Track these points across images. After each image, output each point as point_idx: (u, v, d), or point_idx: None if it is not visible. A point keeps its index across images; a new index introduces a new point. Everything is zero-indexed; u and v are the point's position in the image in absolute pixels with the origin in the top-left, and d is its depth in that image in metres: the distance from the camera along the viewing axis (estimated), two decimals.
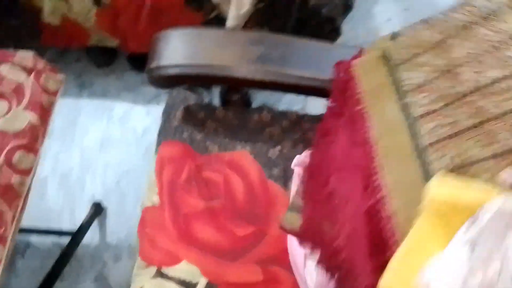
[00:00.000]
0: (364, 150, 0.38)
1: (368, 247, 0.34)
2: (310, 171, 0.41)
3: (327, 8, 0.86)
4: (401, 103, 0.39)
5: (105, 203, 0.93)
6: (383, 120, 0.39)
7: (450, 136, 0.35)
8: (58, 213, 0.93)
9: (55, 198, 0.95)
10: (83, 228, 0.83)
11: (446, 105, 0.37)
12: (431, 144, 0.36)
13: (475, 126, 0.34)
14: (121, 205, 0.94)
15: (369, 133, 0.38)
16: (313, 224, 0.39)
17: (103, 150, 1.00)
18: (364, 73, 0.42)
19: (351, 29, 1.07)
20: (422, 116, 0.37)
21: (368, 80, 0.42)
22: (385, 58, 0.43)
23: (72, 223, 0.91)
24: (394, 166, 0.38)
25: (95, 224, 0.90)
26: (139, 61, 1.04)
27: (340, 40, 0.94)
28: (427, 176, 0.34)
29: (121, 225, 0.93)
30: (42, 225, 0.90)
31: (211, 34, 0.57)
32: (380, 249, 0.34)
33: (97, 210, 0.90)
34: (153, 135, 0.67)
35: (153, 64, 0.56)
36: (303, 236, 0.41)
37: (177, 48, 0.56)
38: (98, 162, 0.99)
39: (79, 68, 1.09)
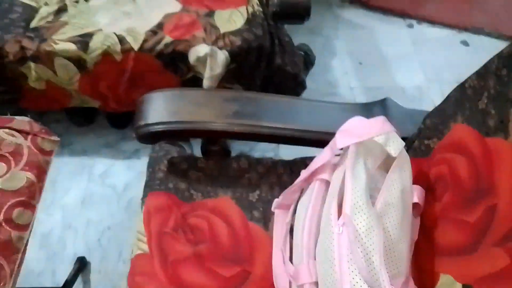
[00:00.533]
0: None
1: None
2: None
3: (291, 65, 0.96)
4: None
5: (89, 259, 0.94)
6: None
7: None
8: (38, 274, 0.93)
9: (35, 259, 0.95)
10: (68, 285, 0.84)
11: None
12: None
13: None
14: (104, 262, 0.95)
15: None
16: None
17: (85, 207, 1.03)
18: None
19: (313, 82, 1.18)
20: None
21: None
22: None
23: (53, 283, 0.91)
24: None
25: (79, 281, 0.90)
26: (118, 119, 1.10)
27: (304, 93, 1.04)
28: None
29: (104, 281, 0.93)
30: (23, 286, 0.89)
31: (191, 94, 0.65)
32: None
33: (81, 265, 0.90)
34: (134, 190, 0.72)
35: (141, 123, 0.62)
36: None
37: (162, 108, 0.63)
38: (80, 219, 1.01)
39: (59, 129, 1.13)
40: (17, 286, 0.87)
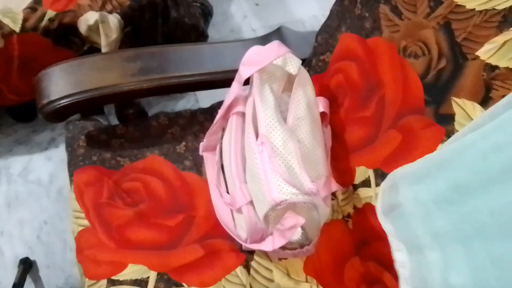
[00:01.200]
0: None
1: None
2: None
3: (188, 17, 0.96)
4: None
5: (32, 258, 0.91)
6: None
7: None
8: None
9: None
10: (17, 287, 0.81)
11: None
12: None
13: None
14: (50, 256, 0.93)
15: None
16: None
17: (13, 209, 0.97)
18: None
19: (217, 32, 1.19)
20: None
21: None
22: None
23: None
24: None
25: (29, 282, 0.88)
26: (22, 111, 1.02)
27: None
28: None
29: (56, 273, 0.91)
30: None
31: (89, 61, 0.63)
32: None
33: (26, 266, 0.88)
34: (61, 179, 0.70)
35: (44, 101, 0.59)
36: None
37: (62, 81, 0.61)
38: (11, 223, 0.96)
39: None
40: None
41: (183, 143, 0.70)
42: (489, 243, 0.39)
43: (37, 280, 0.89)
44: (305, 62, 0.68)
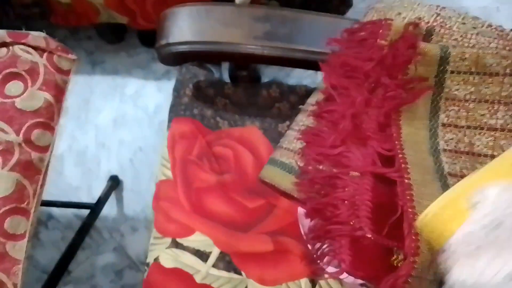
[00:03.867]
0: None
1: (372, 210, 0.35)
2: (313, 135, 0.42)
3: None
4: (432, 105, 0.41)
5: (121, 178, 0.97)
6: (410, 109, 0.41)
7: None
8: (76, 188, 0.97)
9: (72, 174, 0.99)
10: (101, 201, 0.87)
11: (469, 127, 0.39)
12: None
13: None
14: (136, 181, 0.97)
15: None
16: (309, 185, 0.41)
17: (117, 127, 1.03)
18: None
19: (362, 0, 1.04)
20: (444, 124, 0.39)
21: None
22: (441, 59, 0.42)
23: (90, 198, 0.95)
24: (411, 148, 0.40)
25: (112, 198, 0.94)
26: (149, 37, 1.04)
27: (350, 13, 0.93)
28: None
29: (137, 199, 0.96)
30: (62, 199, 0.94)
31: (218, 11, 0.57)
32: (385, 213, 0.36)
33: (114, 183, 0.93)
34: (165, 112, 0.69)
35: (162, 42, 0.56)
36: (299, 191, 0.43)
37: (185, 25, 0.57)
38: (112, 139, 1.02)
39: (90, 46, 1.10)
40: (56, 199, 0.93)
41: (287, 122, 0.64)
42: None
43: (120, 199, 0.95)
44: None
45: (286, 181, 0.46)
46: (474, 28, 0.45)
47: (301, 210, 0.53)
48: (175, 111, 0.66)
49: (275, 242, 0.56)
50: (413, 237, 0.35)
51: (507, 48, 0.43)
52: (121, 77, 1.08)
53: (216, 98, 0.65)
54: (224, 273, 0.55)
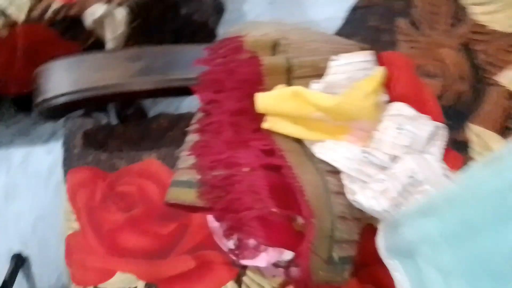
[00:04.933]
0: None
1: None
2: (202, 147, 0.47)
3: (198, 14, 0.93)
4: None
5: (26, 253, 0.90)
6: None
7: None
8: None
9: None
10: (8, 284, 0.80)
11: None
12: None
13: None
14: (44, 251, 0.91)
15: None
16: (209, 190, 0.45)
17: (9, 202, 0.96)
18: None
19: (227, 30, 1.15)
20: None
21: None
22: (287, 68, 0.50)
23: None
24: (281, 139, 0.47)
25: (20, 277, 0.86)
26: (26, 102, 1.01)
27: None
28: None
29: (48, 270, 0.90)
30: None
31: (90, 59, 0.60)
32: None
33: (18, 262, 0.86)
34: (60, 172, 0.68)
35: (40, 99, 0.57)
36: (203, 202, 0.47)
37: (60, 78, 0.58)
38: (7, 215, 0.94)
39: None
40: None
41: (182, 147, 0.68)
42: (498, 285, 0.36)
43: (29, 276, 0.88)
44: None
45: (190, 196, 0.49)
46: (310, 36, 0.56)
47: (211, 218, 0.57)
48: (68, 164, 0.66)
49: (195, 258, 0.59)
50: (306, 203, 0.41)
51: (333, 50, 0.54)
52: (4, 149, 1.02)
53: (107, 141, 0.67)
54: None
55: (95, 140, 0.66)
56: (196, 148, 0.48)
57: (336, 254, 0.44)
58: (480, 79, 0.38)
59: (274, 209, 0.40)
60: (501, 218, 0.35)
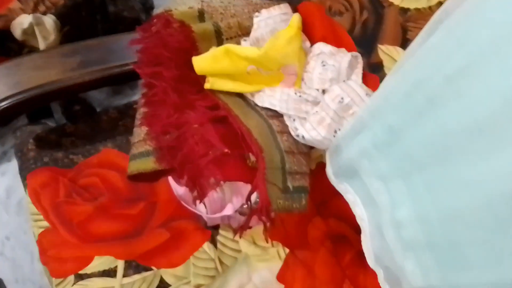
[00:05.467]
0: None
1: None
2: (151, 116, 0.51)
3: (127, 11, 0.95)
4: None
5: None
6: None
7: None
8: None
9: None
10: None
11: None
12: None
13: None
14: (17, 270, 0.90)
15: None
16: (165, 152, 0.49)
17: None
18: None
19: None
20: None
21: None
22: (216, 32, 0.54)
23: None
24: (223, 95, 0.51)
25: None
26: None
27: None
28: None
29: (26, 287, 0.89)
30: None
31: (27, 60, 0.62)
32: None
33: None
34: (19, 191, 0.68)
35: None
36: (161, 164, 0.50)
37: (1, 83, 0.59)
38: None
39: None
40: None
41: None
42: (423, 173, 0.42)
43: None
44: None
45: (149, 163, 0.53)
46: (230, 2, 0.60)
47: (176, 187, 0.61)
48: (26, 169, 0.66)
49: (169, 229, 0.62)
50: (254, 142, 0.46)
51: (254, 10, 0.58)
52: None
53: (61, 140, 0.68)
54: (136, 277, 0.58)
55: (48, 141, 0.67)
56: (146, 118, 0.51)
57: (290, 184, 0.49)
58: (377, 5, 0.45)
59: (226, 150, 0.44)
60: (414, 114, 0.41)
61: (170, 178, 0.63)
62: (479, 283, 0.38)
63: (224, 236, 0.63)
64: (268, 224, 0.46)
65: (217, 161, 0.44)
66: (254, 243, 0.63)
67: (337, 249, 0.63)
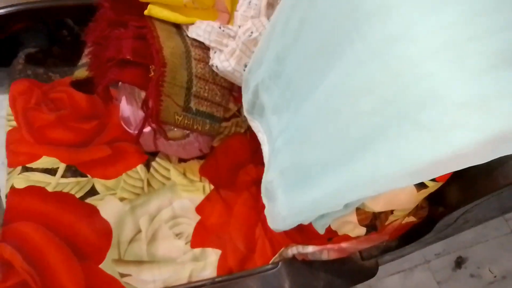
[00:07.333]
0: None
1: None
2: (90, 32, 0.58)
3: None
4: None
5: None
6: None
7: None
8: None
9: None
10: None
11: None
12: None
13: None
14: None
15: None
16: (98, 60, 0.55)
17: None
18: None
19: None
20: None
21: None
22: None
23: None
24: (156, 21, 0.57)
25: None
26: None
27: None
28: None
29: None
30: None
31: None
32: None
33: None
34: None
35: None
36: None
37: None
38: None
39: None
40: None
41: None
42: (295, 100, 0.44)
43: None
44: None
45: (83, 72, 0.59)
46: None
47: (123, 108, 0.67)
48: (12, 78, 0.77)
49: (112, 147, 0.69)
50: (159, 56, 0.51)
51: None
52: None
53: (46, 59, 0.78)
54: (72, 179, 0.66)
55: (35, 58, 0.77)
56: (87, 34, 0.58)
57: (193, 106, 0.53)
58: None
59: (128, 57, 0.49)
60: (292, 39, 0.43)
61: (121, 102, 0.70)
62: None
63: (158, 163, 0.68)
64: (157, 131, 0.51)
65: (120, 66, 0.50)
66: (184, 174, 0.68)
67: (258, 195, 0.65)
